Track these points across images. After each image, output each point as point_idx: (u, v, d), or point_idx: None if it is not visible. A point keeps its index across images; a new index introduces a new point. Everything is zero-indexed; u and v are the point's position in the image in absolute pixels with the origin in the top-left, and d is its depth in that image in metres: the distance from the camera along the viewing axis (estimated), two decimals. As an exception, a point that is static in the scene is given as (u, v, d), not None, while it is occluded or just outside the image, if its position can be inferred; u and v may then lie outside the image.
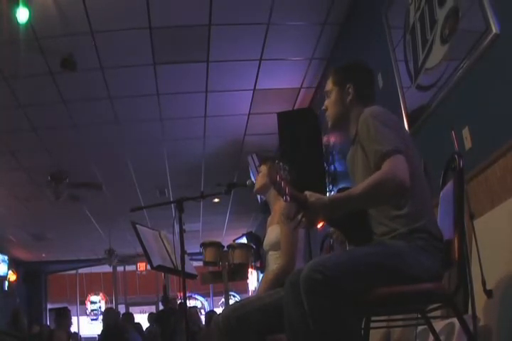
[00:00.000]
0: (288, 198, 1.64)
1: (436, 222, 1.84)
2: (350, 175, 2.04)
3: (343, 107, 1.97)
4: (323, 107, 2.04)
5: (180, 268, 2.90)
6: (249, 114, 6.13)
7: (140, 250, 3.09)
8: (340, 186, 4.66)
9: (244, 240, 8.74)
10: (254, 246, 4.06)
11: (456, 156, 1.85)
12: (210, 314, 8.91)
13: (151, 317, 8.99)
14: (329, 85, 2.02)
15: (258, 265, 5.02)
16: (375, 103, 1.96)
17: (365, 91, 1.99)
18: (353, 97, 1.96)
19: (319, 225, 2.02)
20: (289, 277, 1.78)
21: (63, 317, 7.63)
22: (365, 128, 1.80)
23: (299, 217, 1.70)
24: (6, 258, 11.33)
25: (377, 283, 1.64)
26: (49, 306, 13.14)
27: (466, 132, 2.62)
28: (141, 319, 9.73)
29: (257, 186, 2.89)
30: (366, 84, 2.01)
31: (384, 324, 2.36)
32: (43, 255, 12.14)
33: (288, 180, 1.67)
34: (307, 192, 1.69)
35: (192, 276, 3.24)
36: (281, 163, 1.71)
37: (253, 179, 3.60)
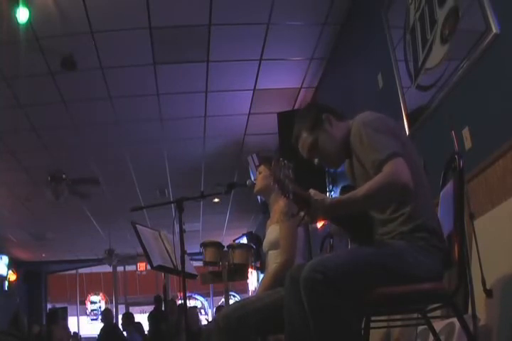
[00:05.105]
0: (291, 196, 1.64)
1: (437, 219, 1.83)
2: (352, 183, 2.03)
3: (335, 141, 1.91)
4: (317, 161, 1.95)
5: (180, 268, 2.90)
6: (249, 114, 6.12)
7: (140, 250, 3.09)
8: (341, 186, 4.66)
9: (244, 240, 8.75)
10: (254, 246, 4.06)
11: (456, 156, 1.85)
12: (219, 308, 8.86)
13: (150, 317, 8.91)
14: (305, 140, 1.94)
15: (258, 265, 5.02)
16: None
17: (333, 110, 1.98)
18: (332, 120, 1.93)
19: (320, 224, 2.03)
20: (290, 271, 1.77)
21: (54, 317, 7.69)
22: (358, 138, 1.78)
23: (301, 214, 1.70)
24: (6, 258, 11.33)
25: (378, 283, 1.64)
26: (49, 306, 13.15)
27: (466, 132, 2.62)
28: (141, 319, 9.72)
29: (257, 187, 2.88)
30: (328, 108, 1.99)
31: (384, 324, 2.36)
32: (43, 255, 12.13)
33: (292, 177, 1.67)
34: (311, 191, 1.70)
35: (192, 276, 3.23)
36: (285, 161, 1.70)
37: (253, 179, 3.59)
